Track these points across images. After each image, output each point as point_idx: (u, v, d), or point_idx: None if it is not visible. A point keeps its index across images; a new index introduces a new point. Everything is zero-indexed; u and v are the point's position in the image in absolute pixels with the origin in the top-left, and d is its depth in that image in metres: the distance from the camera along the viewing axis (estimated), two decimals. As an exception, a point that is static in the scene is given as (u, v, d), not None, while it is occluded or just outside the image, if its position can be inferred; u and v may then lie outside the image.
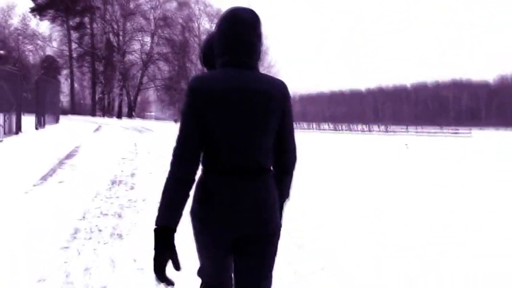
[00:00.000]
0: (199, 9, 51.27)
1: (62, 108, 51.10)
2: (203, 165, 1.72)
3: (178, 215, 1.59)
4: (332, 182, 8.48)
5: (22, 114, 14.15)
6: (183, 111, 1.66)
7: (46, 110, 19.09)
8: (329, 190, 7.53)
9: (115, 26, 46.44)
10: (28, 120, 16.68)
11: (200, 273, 1.88)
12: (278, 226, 1.79)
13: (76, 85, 59.01)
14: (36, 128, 16.46)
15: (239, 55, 1.70)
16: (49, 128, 17.88)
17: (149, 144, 14.06)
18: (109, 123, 29.75)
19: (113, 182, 7.12)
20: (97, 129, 20.60)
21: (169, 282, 1.56)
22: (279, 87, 1.74)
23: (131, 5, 47.22)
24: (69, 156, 10.09)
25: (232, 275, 1.86)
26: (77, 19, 50.10)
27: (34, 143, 12.08)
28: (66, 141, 13.10)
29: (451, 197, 7.38)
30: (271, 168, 1.79)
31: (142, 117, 63.38)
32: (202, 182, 1.72)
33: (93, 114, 44.90)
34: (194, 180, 1.66)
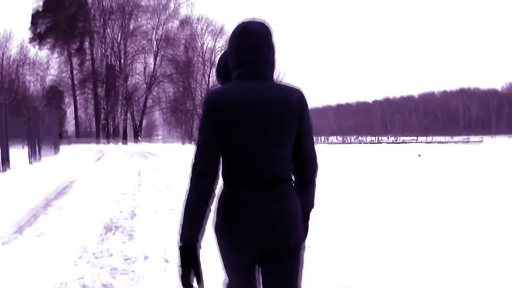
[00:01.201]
0: (202, 28, 50.13)
1: (68, 137, 50.24)
2: (223, 179, 1.72)
3: (201, 230, 1.63)
4: (353, 191, 8.36)
5: (9, 147, 12.62)
6: (200, 125, 1.69)
7: (42, 141, 17.65)
8: (351, 200, 7.46)
9: (116, 49, 45.30)
10: (23, 154, 15.27)
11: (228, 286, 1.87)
12: (302, 238, 1.78)
13: (81, 112, 58.21)
14: (30, 162, 14.96)
15: (253, 66, 1.70)
16: (45, 161, 16.40)
17: (154, 172, 12.51)
18: (113, 150, 28.29)
19: (108, 229, 5.53)
20: (98, 158, 19.12)
21: None
22: (295, 96, 1.73)
23: (131, 26, 46.13)
24: (60, 194, 8.56)
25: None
26: (76, 44, 49.22)
27: (23, 180, 10.56)
28: (61, 176, 11.59)
29: (474, 202, 7.18)
30: (292, 178, 1.78)
31: (149, 140, 62.14)
32: (223, 197, 1.72)
33: (97, 141, 43.48)
34: (214, 193, 1.67)
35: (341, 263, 4.06)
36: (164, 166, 14.35)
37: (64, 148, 28.26)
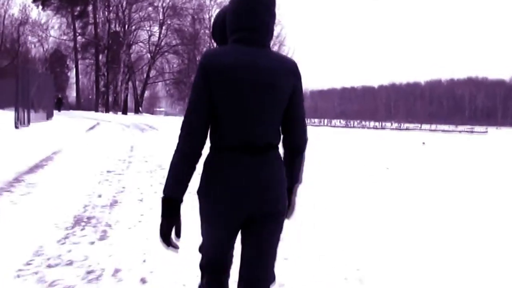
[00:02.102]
0: (211, 0, 48.25)
1: (68, 103, 48.97)
2: (210, 143, 1.73)
3: (184, 188, 1.66)
4: (356, 179, 8.03)
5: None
6: (193, 85, 1.68)
7: (33, 105, 16.38)
8: (355, 187, 7.20)
9: (120, 15, 43.46)
10: (12, 117, 14.06)
11: (203, 249, 1.89)
12: (285, 205, 1.80)
13: (85, 79, 56.76)
14: (16, 127, 13.72)
15: (252, 33, 1.69)
16: (34, 127, 15.15)
17: (149, 147, 11.26)
18: (110, 120, 26.98)
19: (77, 221, 4.34)
20: (92, 127, 17.85)
21: (174, 246, 1.65)
22: (290, 66, 1.74)
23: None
24: (36, 168, 7.35)
25: (233, 252, 1.88)
26: (81, 7, 47.53)
27: (2, 146, 9.34)
28: (45, 144, 10.38)
29: (478, 195, 6.94)
30: (279, 147, 1.79)
31: (152, 112, 60.88)
32: (210, 160, 1.73)
33: (96, 109, 42.09)
34: (200, 154, 1.67)
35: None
36: (161, 141, 13.02)
37: (59, 115, 27.05)
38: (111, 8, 43.10)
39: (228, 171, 1.68)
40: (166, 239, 1.64)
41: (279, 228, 1.81)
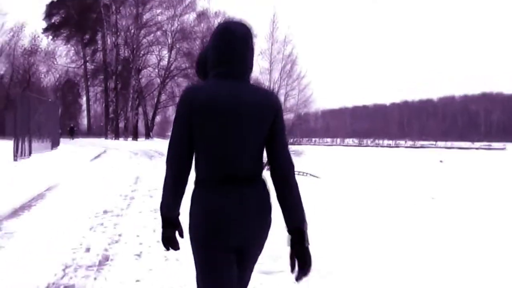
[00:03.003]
0: (219, 23, 47.71)
1: (80, 131, 48.47)
2: (195, 178, 1.78)
3: (176, 207, 1.76)
4: (381, 200, 7.88)
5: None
6: (175, 120, 1.76)
7: (35, 134, 15.46)
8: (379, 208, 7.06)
9: (129, 40, 42.99)
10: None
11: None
12: (267, 234, 1.82)
13: (97, 106, 56.38)
14: (15, 159, 12.72)
15: (230, 67, 1.76)
16: (35, 158, 14.16)
17: (155, 178, 10.04)
18: (118, 147, 25.97)
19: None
20: (97, 156, 16.83)
21: (176, 247, 1.80)
22: (269, 98, 1.80)
23: (145, 16, 43.72)
24: (21, 210, 6.27)
25: None
26: (89, 35, 47.46)
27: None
28: (41, 179, 9.33)
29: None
30: (263, 176, 1.83)
31: (164, 137, 60.15)
32: (193, 193, 1.79)
33: (106, 136, 41.31)
34: (186, 180, 1.75)
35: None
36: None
37: (67, 143, 26.19)
38: (118, 34, 42.64)
39: (207, 202, 1.73)
40: (168, 243, 1.79)
41: (256, 258, 1.87)
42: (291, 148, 32.70)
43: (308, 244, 1.75)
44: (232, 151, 1.71)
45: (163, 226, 1.79)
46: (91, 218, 5.74)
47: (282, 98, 34.54)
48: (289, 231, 1.77)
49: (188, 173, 1.74)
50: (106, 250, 4.34)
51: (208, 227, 1.72)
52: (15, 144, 12.87)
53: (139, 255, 4.18)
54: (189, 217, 1.77)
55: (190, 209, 1.77)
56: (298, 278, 1.73)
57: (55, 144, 19.71)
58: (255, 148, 1.76)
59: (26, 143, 14.19)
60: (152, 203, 6.82)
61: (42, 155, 15.38)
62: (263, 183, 1.81)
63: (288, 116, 34.92)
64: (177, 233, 1.80)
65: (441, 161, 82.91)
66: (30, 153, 14.37)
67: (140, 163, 14.47)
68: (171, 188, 1.74)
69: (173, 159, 1.73)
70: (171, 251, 1.82)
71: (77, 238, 4.72)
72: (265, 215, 1.79)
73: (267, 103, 1.77)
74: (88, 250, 4.33)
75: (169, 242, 1.79)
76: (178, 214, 1.78)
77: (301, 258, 1.72)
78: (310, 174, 33.08)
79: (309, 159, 40.28)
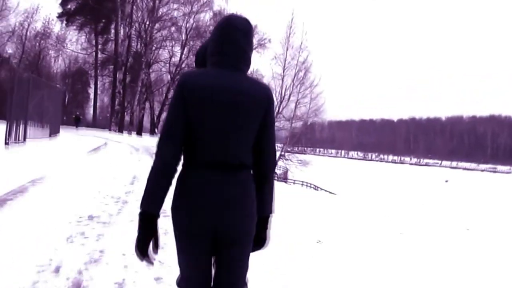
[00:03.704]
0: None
1: (85, 121, 47.76)
2: (184, 160, 1.80)
3: (159, 202, 1.72)
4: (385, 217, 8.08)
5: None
6: (170, 103, 1.78)
7: (33, 119, 14.54)
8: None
9: (142, 33, 42.14)
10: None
11: (181, 281, 1.87)
12: (252, 227, 1.83)
13: (105, 97, 55.63)
14: (6, 143, 11.80)
15: (228, 57, 1.80)
16: (30, 145, 13.23)
17: None
18: (121, 141, 25.02)
19: None
20: (96, 149, 15.87)
21: (149, 260, 1.72)
22: (263, 90, 1.84)
23: (161, 10, 42.81)
24: (-8, 205, 5.31)
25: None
26: (102, 24, 46.73)
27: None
28: (28, 169, 8.39)
29: None
30: (250, 166, 1.85)
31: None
32: (181, 176, 1.79)
33: (109, 128, 40.39)
34: (175, 170, 1.75)
35: None
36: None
37: (69, 132, 25.31)
38: (133, 25, 41.77)
39: (196, 186, 1.74)
40: (142, 252, 1.70)
41: (246, 249, 1.85)
42: (298, 157, 31.67)
43: (270, 229, 1.94)
44: (222, 137, 1.74)
45: (139, 228, 1.72)
46: (71, 223, 4.79)
47: (292, 106, 33.62)
48: (259, 218, 1.88)
49: (179, 162, 1.75)
50: (80, 272, 3.39)
51: (188, 209, 1.74)
52: (8, 127, 11.92)
53: (120, 285, 3.23)
54: (173, 194, 1.78)
55: (174, 189, 1.78)
56: (259, 248, 1.95)
57: (54, 131, 18.79)
58: (245, 138, 1.79)
59: (22, 128, 13.25)
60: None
61: (38, 141, 14.46)
62: (249, 174, 1.84)
63: (296, 125, 34.00)
64: (151, 245, 1.73)
65: (446, 181, 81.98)
66: (24, 138, 13.44)
67: (141, 160, 13.49)
68: (154, 179, 1.72)
69: (164, 146, 1.73)
70: (145, 263, 1.77)
71: (48, 251, 3.77)
72: (247, 205, 1.80)
73: (261, 95, 1.81)
74: (57, 270, 3.38)
75: (144, 251, 1.71)
76: (158, 214, 1.73)
77: (259, 240, 1.92)
78: (325, 190, 32.16)
79: (317, 171, 39.35)
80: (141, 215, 1.71)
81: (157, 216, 1.72)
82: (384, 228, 7.47)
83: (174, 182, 1.77)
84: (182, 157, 1.78)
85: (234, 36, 1.80)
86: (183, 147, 1.77)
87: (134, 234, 4.31)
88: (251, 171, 1.85)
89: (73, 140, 18.56)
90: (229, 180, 1.75)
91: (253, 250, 1.91)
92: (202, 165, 1.75)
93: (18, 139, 12.94)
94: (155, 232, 1.72)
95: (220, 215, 1.73)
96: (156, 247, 1.73)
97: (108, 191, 7.06)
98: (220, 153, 1.74)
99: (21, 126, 13.16)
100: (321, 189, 34.52)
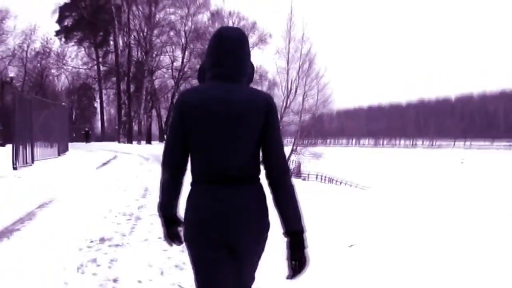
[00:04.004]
0: (233, 23, 46.32)
1: (93, 134, 47.79)
2: (191, 175, 1.86)
3: (175, 207, 1.91)
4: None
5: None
6: (170, 122, 1.85)
7: (39, 140, 14.33)
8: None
9: (142, 41, 41.89)
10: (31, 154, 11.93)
11: None
12: (263, 236, 1.84)
13: (111, 109, 55.65)
14: (14, 167, 11.57)
15: (225, 69, 1.83)
16: (38, 166, 13.01)
17: None
18: (130, 152, 24.78)
19: None
20: (106, 163, 15.61)
21: (178, 243, 1.92)
22: (262, 99, 1.83)
23: (158, 16, 42.46)
24: (-2, 237, 5.01)
25: None
26: (101, 36, 46.60)
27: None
28: (36, 193, 8.14)
29: None
30: (258, 177, 1.86)
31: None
32: (190, 193, 1.85)
33: (118, 140, 40.26)
34: (182, 180, 1.87)
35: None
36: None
37: (78, 148, 25.15)
38: (130, 33, 41.54)
39: (201, 201, 1.79)
40: (170, 239, 1.92)
41: (252, 261, 1.87)
42: (309, 150, 31.21)
43: (306, 247, 1.79)
44: (222, 151, 1.76)
45: (164, 225, 1.92)
46: (82, 250, 4.47)
47: (300, 99, 33.17)
48: (285, 233, 1.80)
49: (183, 175, 1.87)
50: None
51: (197, 224, 1.79)
52: (14, 151, 11.69)
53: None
54: (184, 213, 1.86)
55: (185, 207, 1.86)
56: (288, 277, 1.79)
57: (63, 149, 18.60)
58: (246, 149, 1.79)
59: (29, 149, 13.04)
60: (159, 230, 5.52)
61: (46, 162, 14.24)
62: (258, 184, 1.85)
63: (305, 117, 33.53)
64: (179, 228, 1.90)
65: (462, 162, 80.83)
66: (32, 160, 13.23)
67: (151, 170, 13.20)
68: (166, 189, 1.88)
69: (168, 162, 1.84)
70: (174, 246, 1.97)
71: (57, 286, 3.45)
72: (258, 216, 1.82)
73: (259, 104, 1.80)
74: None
75: (172, 237, 1.91)
76: (176, 212, 1.91)
77: (297, 261, 1.77)
78: (350, 184, 31.65)
79: (331, 162, 38.90)
80: (163, 219, 1.92)
81: (175, 215, 1.92)
82: (428, 223, 7.05)
83: (183, 188, 1.89)
84: (187, 170, 1.87)
85: (228, 47, 1.82)
86: (190, 164, 1.86)
87: (149, 254, 3.96)
88: (258, 181, 1.86)
89: (82, 156, 18.34)
90: (233, 193, 1.77)
91: (293, 276, 1.79)
92: (206, 180, 1.80)
93: (26, 162, 12.73)
94: (177, 226, 1.91)
95: (226, 226, 1.76)
96: (180, 239, 1.92)
97: (119, 208, 6.74)
98: (222, 167, 1.78)
99: (27, 148, 12.95)
100: (336, 181, 34.01)
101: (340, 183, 33.64)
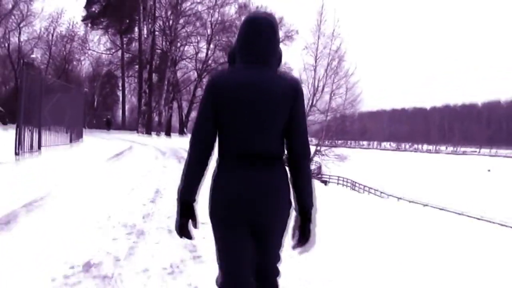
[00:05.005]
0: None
1: (114, 123, 47.15)
2: (218, 156, 1.92)
3: (194, 190, 1.89)
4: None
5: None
6: (201, 102, 1.90)
7: (49, 124, 13.24)
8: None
9: (167, 30, 40.79)
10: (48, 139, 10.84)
11: (220, 278, 1.95)
12: (286, 213, 1.91)
13: (134, 99, 54.82)
14: (17, 154, 10.46)
15: (255, 53, 1.87)
16: (46, 154, 11.91)
17: None
18: (147, 143, 23.65)
19: None
20: (119, 154, 14.42)
21: (189, 236, 1.91)
22: (290, 82, 1.89)
23: (184, 5, 41.26)
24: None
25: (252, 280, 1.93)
26: (126, 23, 45.74)
27: None
28: (32, 186, 6.96)
29: None
30: (283, 157, 1.92)
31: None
32: (216, 172, 1.91)
33: (137, 130, 39.30)
34: (207, 163, 1.88)
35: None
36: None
37: (94, 136, 24.19)
38: (156, 22, 40.48)
39: (228, 180, 1.85)
40: (181, 232, 1.90)
41: (278, 237, 1.93)
42: (334, 151, 29.63)
43: (315, 226, 1.93)
44: (250, 133, 1.82)
45: (179, 212, 1.88)
46: (55, 282, 3.21)
47: (327, 97, 31.60)
48: (298, 210, 1.93)
49: (210, 155, 1.88)
50: None
51: (224, 203, 1.85)
52: (17, 136, 10.57)
53: None
54: (209, 193, 1.91)
55: (210, 186, 1.91)
56: (294, 247, 1.94)
57: (76, 136, 17.54)
58: (273, 131, 1.84)
59: (36, 135, 11.94)
60: (171, 247, 4.22)
61: (55, 149, 13.13)
62: (282, 165, 1.91)
63: (330, 118, 31.90)
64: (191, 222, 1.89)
65: (488, 170, 78.06)
66: (39, 147, 12.12)
67: (167, 166, 11.93)
68: (191, 168, 1.87)
69: (196, 140, 1.86)
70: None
71: None
72: (284, 195, 1.88)
73: (286, 88, 1.85)
74: None
75: (183, 230, 1.89)
76: (195, 200, 1.88)
77: (302, 233, 1.92)
78: (379, 192, 29.90)
79: (355, 165, 37.16)
80: (179, 202, 1.89)
81: (194, 201, 1.90)
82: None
83: (207, 173, 1.89)
84: (214, 152, 1.90)
85: (259, 31, 1.86)
86: (217, 143, 1.89)
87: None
88: (284, 162, 1.91)
89: (96, 145, 17.24)
90: (259, 174, 1.83)
91: (298, 246, 1.93)
92: (233, 159, 1.85)
93: (32, 148, 11.63)
94: (192, 215, 1.90)
95: (252, 205, 1.82)
96: (195, 226, 1.90)
97: (120, 215, 5.48)
98: (249, 147, 1.83)
99: (34, 133, 11.85)
100: (360, 186, 32.35)
101: (365, 188, 31.98)
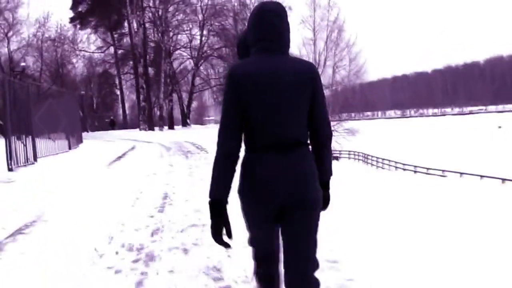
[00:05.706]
0: (255, 6, 43.53)
1: (116, 122, 46.37)
2: (245, 145, 1.92)
3: (226, 189, 1.84)
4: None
5: None
6: (224, 96, 1.87)
7: (43, 132, 12.35)
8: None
9: (157, 22, 39.57)
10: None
11: (250, 242, 2.05)
12: (316, 197, 1.90)
13: (132, 95, 53.83)
14: (9, 168, 9.57)
15: (268, 42, 1.88)
16: (41, 164, 11.02)
17: (192, 198, 6.41)
18: (151, 140, 22.70)
19: None
20: (121, 156, 13.52)
21: (226, 245, 1.84)
22: (307, 68, 1.92)
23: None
24: None
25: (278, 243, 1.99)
26: (115, 19, 44.57)
27: None
28: (24, 207, 6.08)
29: None
30: (308, 142, 1.96)
31: (201, 123, 57.28)
32: (245, 160, 1.92)
33: (139, 127, 38.37)
34: (238, 156, 1.86)
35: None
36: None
37: (95, 138, 23.33)
38: (144, 13, 39.24)
39: (256, 168, 1.85)
40: (217, 238, 1.82)
41: (313, 219, 1.91)
42: (343, 125, 28.66)
43: (329, 188, 2.06)
44: (276, 119, 1.83)
45: (211, 216, 1.83)
46: None
47: (329, 71, 30.52)
48: (320, 183, 1.94)
49: (239, 151, 1.86)
50: None
51: (254, 191, 1.85)
52: (8, 149, 9.66)
53: None
54: (239, 178, 1.91)
55: (239, 176, 1.91)
56: (323, 209, 2.03)
57: (76, 142, 16.68)
58: (297, 116, 1.87)
59: (29, 145, 11.06)
60: (188, 273, 3.30)
61: (52, 158, 12.25)
62: (306, 150, 1.93)
63: (326, 92, 30.79)
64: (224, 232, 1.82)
65: (499, 127, 76.71)
66: (35, 158, 11.25)
67: (173, 164, 10.97)
68: (219, 167, 1.83)
69: (225, 135, 1.83)
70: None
71: None
72: (312, 180, 1.88)
73: (305, 72, 1.87)
74: None
75: (218, 236, 1.82)
76: (226, 201, 1.84)
77: (324, 201, 1.98)
78: (393, 163, 28.69)
79: (367, 138, 36.06)
80: (211, 203, 1.83)
81: (226, 202, 1.84)
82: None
83: (238, 168, 1.86)
84: (242, 144, 1.88)
85: (270, 20, 1.88)
86: (243, 134, 1.88)
87: None
88: (309, 146, 1.94)
89: (95, 149, 16.34)
90: (288, 160, 1.83)
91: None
92: (261, 148, 1.85)
93: (27, 160, 10.76)
94: (225, 220, 1.82)
95: (279, 191, 1.82)
96: (229, 235, 1.81)
97: (124, 234, 4.56)
98: (276, 135, 1.84)
99: (28, 143, 10.97)
100: (373, 158, 31.28)
101: (378, 161, 30.86)
